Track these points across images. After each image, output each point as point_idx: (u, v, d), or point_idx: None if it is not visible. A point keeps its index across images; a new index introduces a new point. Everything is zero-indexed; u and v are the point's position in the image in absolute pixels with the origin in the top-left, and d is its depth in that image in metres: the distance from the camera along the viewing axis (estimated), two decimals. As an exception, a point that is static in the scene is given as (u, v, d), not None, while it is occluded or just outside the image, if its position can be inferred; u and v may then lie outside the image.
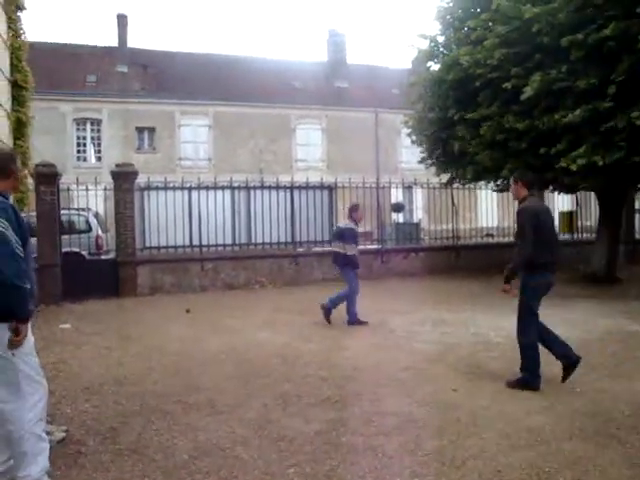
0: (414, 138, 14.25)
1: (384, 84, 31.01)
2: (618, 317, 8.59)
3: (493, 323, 8.20)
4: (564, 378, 5.27)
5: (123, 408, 4.72)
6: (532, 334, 5.38)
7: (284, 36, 77.29)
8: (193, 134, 27.28)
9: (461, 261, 14.50)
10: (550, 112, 9.30)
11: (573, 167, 8.72)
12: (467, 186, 14.43)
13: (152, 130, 26.74)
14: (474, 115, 10.46)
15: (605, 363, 6.04)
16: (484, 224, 17.54)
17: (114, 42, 28.88)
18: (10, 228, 2.90)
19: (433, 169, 14.36)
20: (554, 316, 8.75)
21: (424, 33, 12.48)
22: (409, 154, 30.52)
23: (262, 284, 12.62)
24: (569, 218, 16.61)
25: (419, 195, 23.61)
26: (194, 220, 12.27)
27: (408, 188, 19.93)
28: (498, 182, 12.82)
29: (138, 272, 11.61)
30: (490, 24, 10.37)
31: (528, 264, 5.22)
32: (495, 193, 15.39)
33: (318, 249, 13.50)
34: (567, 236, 16.51)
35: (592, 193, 13.63)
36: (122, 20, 28.64)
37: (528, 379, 5.23)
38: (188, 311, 9.47)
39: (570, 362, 5.32)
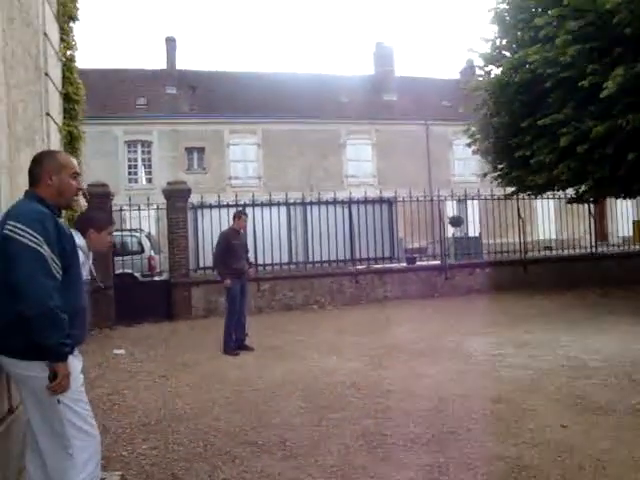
0: (475, 148, 13.43)
1: (433, 96, 30.35)
2: None
3: (582, 345, 7.37)
4: None
5: (185, 450, 4.16)
6: None
7: (329, 50, 77.59)
8: (242, 153, 27.18)
9: (529, 276, 13.54)
10: (635, 110, 8.43)
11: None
12: (522, 196, 13.55)
13: (201, 150, 26.78)
14: (546, 120, 9.64)
15: None
16: (542, 236, 16.52)
17: (163, 65, 29.24)
18: (46, 244, 2.35)
19: (486, 181, 13.55)
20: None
21: (485, 36, 11.81)
22: (461, 166, 29.70)
23: (321, 304, 12.03)
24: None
25: (473, 208, 22.68)
26: (249, 238, 11.82)
27: (462, 201, 19.09)
28: (578, 192, 11.84)
29: (192, 294, 11.22)
30: (556, 21, 9.60)
31: None
32: (552, 203, 14.50)
33: (379, 266, 12.86)
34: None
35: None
36: (171, 43, 28.98)
37: None
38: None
39: None
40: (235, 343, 7.77)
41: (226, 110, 26.78)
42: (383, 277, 12.67)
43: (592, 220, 14.26)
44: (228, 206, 11.85)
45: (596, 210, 23.97)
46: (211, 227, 11.42)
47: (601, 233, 24.50)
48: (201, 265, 11.67)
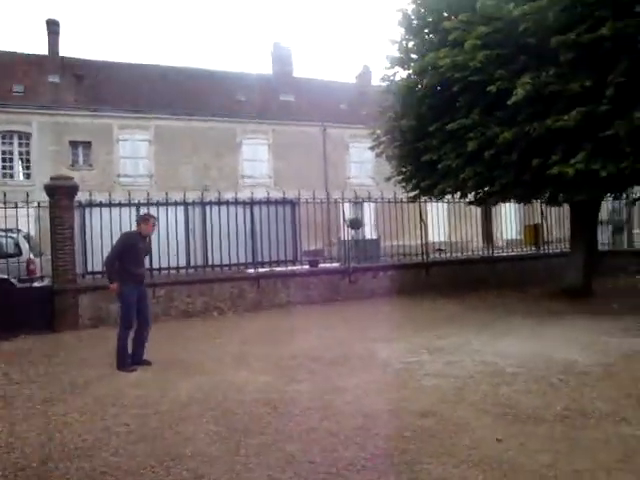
0: (379, 151, 13.31)
1: (330, 98, 30.43)
2: (622, 335, 7.92)
3: (494, 349, 7.35)
4: None
5: (78, 499, 3.44)
6: None
7: (226, 46, 76.13)
8: (133, 149, 25.56)
9: (431, 279, 13.68)
10: (539, 118, 8.61)
11: (570, 172, 8.03)
12: (423, 199, 13.63)
13: (88, 145, 24.86)
14: (453, 125, 9.67)
15: (653, 394, 5.21)
16: (433, 239, 16.87)
17: (44, 50, 26.88)
18: None
19: (382, 184, 13.52)
20: (556, 335, 8.07)
21: (392, 38, 11.69)
22: (357, 169, 29.98)
23: (221, 311, 11.34)
24: (534, 231, 16.23)
25: (369, 211, 22.85)
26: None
27: (358, 203, 19.09)
28: (478, 195, 12.04)
29: (79, 301, 10.11)
30: (468, 25, 9.64)
31: None
32: (443, 205, 14.84)
33: (281, 269, 12.38)
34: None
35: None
36: (53, 27, 26.57)
37: None
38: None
39: None
40: (132, 358, 6.96)
41: (116, 103, 25.09)
42: (286, 281, 12.22)
43: (487, 223, 14.71)
44: (120, 205, 10.86)
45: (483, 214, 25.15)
46: (101, 227, 10.38)
47: (488, 236, 25.74)
48: (90, 269, 10.58)
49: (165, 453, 4.09)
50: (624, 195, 13.14)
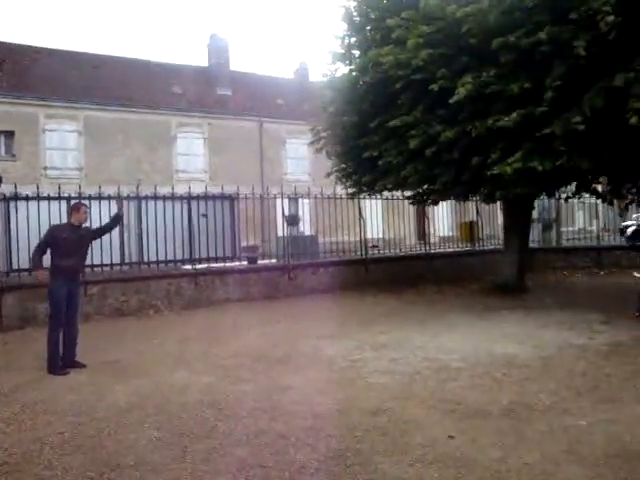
0: (319, 146, 13.19)
1: (267, 93, 30.14)
2: (556, 329, 8.19)
3: (436, 344, 7.43)
4: None
5: (9, 518, 3.16)
6: None
7: (162, 37, 74.08)
8: (60, 140, 24.28)
9: (370, 275, 13.74)
10: (480, 117, 8.77)
11: (509, 170, 8.21)
12: (362, 196, 13.67)
13: (10, 134, 23.37)
14: (396, 122, 9.70)
15: (585, 385, 5.39)
16: (371, 235, 16.98)
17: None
18: None
19: (318, 180, 13.48)
20: (494, 330, 8.26)
21: (335, 34, 11.62)
22: (294, 165, 29.86)
23: (157, 309, 10.93)
24: (469, 228, 16.65)
25: (306, 207, 22.71)
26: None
27: (294, 199, 18.97)
28: (417, 194, 12.19)
29: (3, 301, 9.46)
30: (411, 24, 9.68)
31: None
32: (378, 202, 14.92)
33: (220, 265, 12.09)
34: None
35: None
36: (-29, 9, 25.06)
37: None
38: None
39: None
40: (63, 360, 6.56)
41: (42, 91, 23.73)
42: (224, 278, 11.94)
43: (426, 220, 14.95)
44: (49, 198, 10.26)
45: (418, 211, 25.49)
46: (28, 222, 9.77)
47: (422, 233, 26.15)
48: (15, 267, 9.93)
49: (104, 463, 3.83)
50: (557, 194, 13.67)
